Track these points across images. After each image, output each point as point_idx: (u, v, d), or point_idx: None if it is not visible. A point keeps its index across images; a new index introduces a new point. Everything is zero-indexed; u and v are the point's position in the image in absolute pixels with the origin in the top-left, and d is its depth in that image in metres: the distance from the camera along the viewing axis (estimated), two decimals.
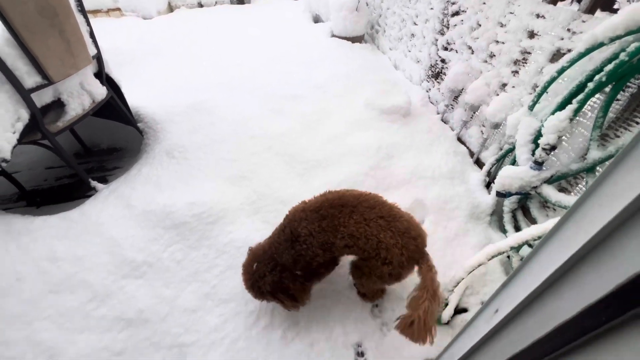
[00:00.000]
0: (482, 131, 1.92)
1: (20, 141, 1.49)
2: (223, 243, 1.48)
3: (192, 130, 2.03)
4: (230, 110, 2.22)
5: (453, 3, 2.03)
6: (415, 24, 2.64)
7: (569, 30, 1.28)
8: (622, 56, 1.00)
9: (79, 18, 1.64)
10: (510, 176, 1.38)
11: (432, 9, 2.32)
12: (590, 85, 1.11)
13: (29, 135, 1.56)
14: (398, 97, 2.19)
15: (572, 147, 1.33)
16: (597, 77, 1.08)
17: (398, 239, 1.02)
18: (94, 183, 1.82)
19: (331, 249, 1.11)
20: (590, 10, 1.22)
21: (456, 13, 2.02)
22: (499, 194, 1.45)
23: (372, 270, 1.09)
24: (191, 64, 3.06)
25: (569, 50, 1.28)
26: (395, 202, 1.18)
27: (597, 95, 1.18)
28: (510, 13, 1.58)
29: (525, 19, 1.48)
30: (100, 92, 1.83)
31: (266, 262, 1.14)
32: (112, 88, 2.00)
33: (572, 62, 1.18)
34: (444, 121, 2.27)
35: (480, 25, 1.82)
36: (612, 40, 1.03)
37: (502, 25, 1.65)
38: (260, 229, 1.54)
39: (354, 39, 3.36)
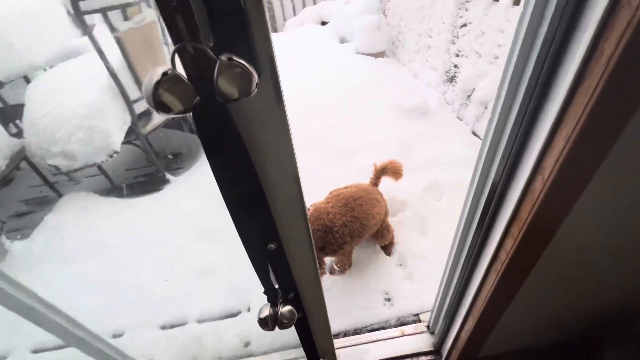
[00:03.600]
0: None
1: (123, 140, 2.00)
2: None
3: None
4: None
5: (461, 17, 2.36)
6: (430, 36, 2.98)
7: None
8: None
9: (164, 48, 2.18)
10: None
11: (443, 23, 2.66)
12: None
13: (127, 136, 2.07)
14: (416, 99, 2.51)
15: None
16: None
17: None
18: (168, 175, 2.29)
19: (361, 232, 1.43)
20: None
21: (464, 25, 2.34)
22: None
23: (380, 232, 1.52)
24: None
25: None
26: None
27: None
28: (507, 21, 1.88)
29: None
30: None
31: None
32: None
33: None
34: (459, 118, 2.54)
35: (484, 33, 2.12)
36: None
37: (502, 32, 1.95)
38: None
39: (377, 54, 3.76)
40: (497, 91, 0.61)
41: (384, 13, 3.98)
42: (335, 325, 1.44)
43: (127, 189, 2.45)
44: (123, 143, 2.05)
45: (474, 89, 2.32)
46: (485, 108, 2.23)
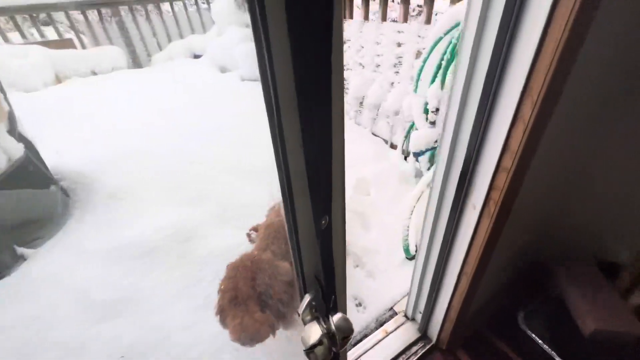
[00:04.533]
0: (388, 122, 2.46)
1: None
2: (202, 256, 1.50)
3: (130, 172, 1.99)
4: (161, 147, 2.26)
5: None
6: None
7: (419, 36, 1.91)
8: (454, 41, 1.59)
9: None
10: (418, 138, 1.86)
11: None
12: (443, 63, 1.68)
13: None
14: None
15: None
16: (445, 58, 1.66)
17: None
18: (21, 250, 1.58)
19: None
20: (428, 21, 1.87)
21: (344, 42, 2.64)
22: (414, 154, 1.91)
23: None
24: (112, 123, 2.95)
25: (424, 48, 1.90)
26: None
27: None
28: (381, 34, 2.21)
29: (392, 35, 2.11)
30: (16, 148, 1.68)
31: None
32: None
33: (429, 54, 1.77)
34: (357, 124, 2.79)
35: (363, 47, 2.43)
36: (445, 34, 1.64)
37: (378, 44, 2.28)
38: (234, 234, 1.61)
39: None
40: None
41: None
42: None
43: None
44: None
45: (364, 96, 2.61)
46: (378, 110, 2.53)
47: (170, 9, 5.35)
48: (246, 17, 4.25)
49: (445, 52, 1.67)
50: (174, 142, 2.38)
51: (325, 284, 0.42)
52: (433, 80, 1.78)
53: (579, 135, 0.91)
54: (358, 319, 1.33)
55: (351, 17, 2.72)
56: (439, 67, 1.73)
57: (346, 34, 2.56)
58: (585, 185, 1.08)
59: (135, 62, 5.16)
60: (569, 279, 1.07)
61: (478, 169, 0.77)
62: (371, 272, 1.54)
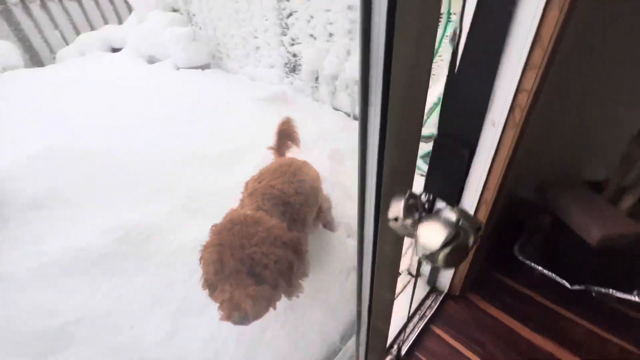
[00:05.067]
0: (348, 94, 2.39)
1: None
2: (171, 253, 1.24)
3: (54, 176, 1.58)
4: (91, 145, 1.86)
5: (284, 8, 2.48)
6: (256, 37, 3.01)
7: None
8: None
9: None
10: None
11: (267, 20, 2.73)
12: None
13: None
14: (272, 88, 2.44)
15: None
16: None
17: None
18: None
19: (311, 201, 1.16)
20: None
21: (290, 14, 2.48)
22: None
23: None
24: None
25: None
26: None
27: None
28: (332, 1, 2.11)
29: (343, 0, 2.02)
30: None
31: None
32: None
33: None
34: (316, 100, 2.67)
35: (312, 17, 2.31)
36: None
37: (329, 11, 2.17)
38: (207, 224, 1.37)
39: (203, 67, 3.46)
40: None
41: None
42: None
43: None
44: None
45: (320, 69, 2.49)
46: (336, 82, 2.44)
47: None
48: (171, 0, 3.80)
49: None
50: (108, 139, 1.97)
51: None
52: None
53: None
54: None
55: None
56: None
57: (292, 5, 2.41)
58: (572, 112, 1.12)
59: (35, 60, 4.28)
60: (566, 198, 1.11)
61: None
62: None
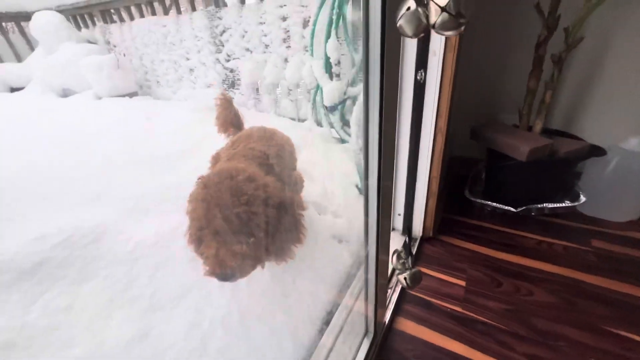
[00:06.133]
0: (290, 100, 2.50)
1: None
2: (128, 252, 1.07)
3: None
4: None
5: (217, 26, 2.56)
6: (188, 59, 2.99)
7: (302, 5, 2.06)
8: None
9: None
10: (331, 91, 1.95)
11: (199, 40, 2.76)
12: (334, 18, 1.86)
13: None
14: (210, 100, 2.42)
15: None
16: (335, 12, 1.84)
17: None
18: None
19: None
20: None
21: (224, 31, 2.56)
22: (330, 108, 2.00)
23: None
24: None
25: (309, 17, 2.05)
26: None
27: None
28: (264, 13, 2.27)
29: (275, 11, 2.19)
30: None
31: None
32: None
33: (317, 15, 1.92)
34: (260, 111, 2.72)
35: (247, 31, 2.43)
36: None
37: (262, 23, 2.32)
38: (163, 219, 1.24)
39: (131, 95, 3.25)
40: None
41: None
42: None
43: None
44: None
45: (260, 81, 2.57)
46: (278, 89, 2.54)
47: None
48: (85, 32, 3.58)
49: (333, 7, 1.85)
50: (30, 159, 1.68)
51: None
52: (328, 36, 1.93)
53: None
54: (349, 250, 1.24)
55: (225, 4, 2.68)
56: (330, 23, 1.89)
57: (225, 22, 2.51)
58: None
59: None
60: (496, 132, 1.32)
61: None
62: (336, 212, 1.48)
